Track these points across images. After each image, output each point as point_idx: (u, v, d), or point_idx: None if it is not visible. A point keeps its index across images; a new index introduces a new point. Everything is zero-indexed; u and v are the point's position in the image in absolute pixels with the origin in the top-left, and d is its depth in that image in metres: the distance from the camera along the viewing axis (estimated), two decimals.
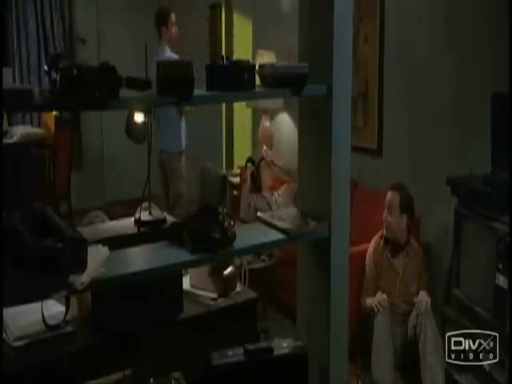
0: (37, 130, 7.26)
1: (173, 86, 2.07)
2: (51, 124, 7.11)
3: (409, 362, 4.63)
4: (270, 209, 5.38)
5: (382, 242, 4.86)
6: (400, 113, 5.51)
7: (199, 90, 2.18)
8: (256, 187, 5.86)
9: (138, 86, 2.04)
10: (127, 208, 4.38)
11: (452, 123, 4.94)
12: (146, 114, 3.07)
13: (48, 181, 6.86)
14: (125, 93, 1.98)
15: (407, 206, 4.77)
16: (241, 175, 6.54)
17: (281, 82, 2.36)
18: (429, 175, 5.12)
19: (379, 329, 4.57)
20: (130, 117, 3.40)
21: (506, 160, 3.84)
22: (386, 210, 4.80)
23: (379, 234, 4.91)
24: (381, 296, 4.67)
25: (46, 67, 1.91)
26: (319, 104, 2.53)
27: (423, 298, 4.57)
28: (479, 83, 4.59)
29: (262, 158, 6.21)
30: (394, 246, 4.83)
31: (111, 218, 3.38)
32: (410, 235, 4.87)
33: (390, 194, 4.78)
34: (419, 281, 4.79)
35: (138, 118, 3.24)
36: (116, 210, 4.66)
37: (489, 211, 3.90)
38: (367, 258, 4.88)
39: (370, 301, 4.71)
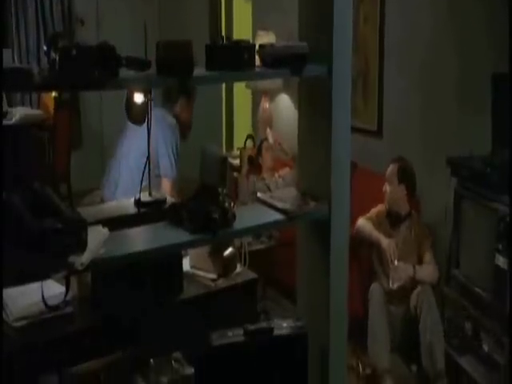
0: (36, 112, 7.25)
1: (173, 66, 2.06)
2: (50, 105, 7.10)
3: (409, 342, 4.64)
4: (270, 191, 5.37)
5: (383, 215, 4.87)
6: (400, 94, 5.50)
7: (199, 70, 2.17)
8: (254, 170, 5.85)
9: (138, 65, 2.03)
10: None
11: (452, 104, 4.94)
12: (146, 94, 3.05)
13: (47, 162, 6.85)
14: (124, 73, 1.98)
15: (405, 176, 4.78)
16: (241, 156, 6.52)
17: (280, 62, 2.35)
18: (429, 156, 5.12)
19: (374, 311, 4.58)
20: (130, 97, 3.39)
21: (506, 140, 3.84)
22: (385, 183, 4.83)
23: (379, 206, 4.92)
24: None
25: (45, 47, 1.89)
26: (319, 84, 2.52)
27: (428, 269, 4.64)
28: (480, 63, 4.58)
29: (265, 140, 6.20)
30: (394, 218, 4.84)
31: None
32: (412, 208, 4.88)
33: (389, 167, 4.81)
34: (421, 254, 4.80)
35: (138, 98, 3.23)
36: None
37: (489, 192, 3.90)
38: (370, 213, 4.91)
39: (387, 242, 4.71)
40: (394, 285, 4.63)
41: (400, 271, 4.63)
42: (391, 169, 4.80)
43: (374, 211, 4.94)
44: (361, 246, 4.85)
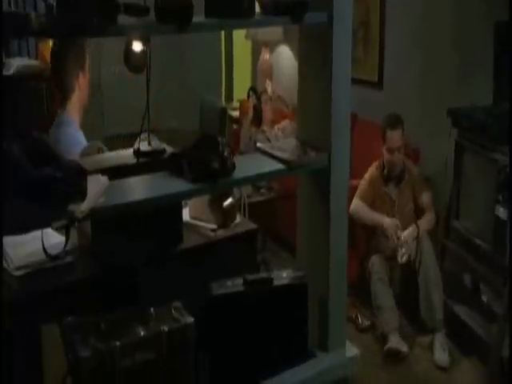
0: (34, 62, 7.17)
1: (171, 12, 2.03)
2: (48, 56, 7.03)
3: (407, 294, 4.67)
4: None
5: (381, 177, 4.86)
6: (401, 44, 5.46)
7: (198, 17, 2.15)
8: (257, 121, 5.83)
9: (136, 12, 2.01)
10: (126, 142, 4.36)
11: (454, 55, 4.90)
12: (145, 42, 3.02)
13: (46, 114, 6.81)
14: (123, 19, 1.95)
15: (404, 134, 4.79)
16: (241, 108, 6.49)
17: (281, 9, 2.32)
18: (429, 107, 5.10)
19: (376, 287, 4.59)
20: (129, 46, 3.35)
21: (507, 91, 3.82)
22: (387, 152, 4.77)
23: (376, 165, 4.90)
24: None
25: None
26: (320, 33, 2.49)
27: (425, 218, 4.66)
28: (482, 12, 4.54)
29: (264, 91, 6.16)
30: (395, 178, 4.84)
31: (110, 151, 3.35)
32: (406, 159, 4.90)
33: (391, 134, 4.72)
34: (416, 196, 4.82)
35: (136, 46, 3.19)
36: (114, 144, 4.62)
37: (489, 142, 3.89)
38: (363, 184, 4.88)
39: (388, 221, 4.70)
40: (403, 258, 4.63)
41: (407, 239, 4.62)
42: (395, 137, 4.73)
43: (366, 178, 4.91)
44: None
